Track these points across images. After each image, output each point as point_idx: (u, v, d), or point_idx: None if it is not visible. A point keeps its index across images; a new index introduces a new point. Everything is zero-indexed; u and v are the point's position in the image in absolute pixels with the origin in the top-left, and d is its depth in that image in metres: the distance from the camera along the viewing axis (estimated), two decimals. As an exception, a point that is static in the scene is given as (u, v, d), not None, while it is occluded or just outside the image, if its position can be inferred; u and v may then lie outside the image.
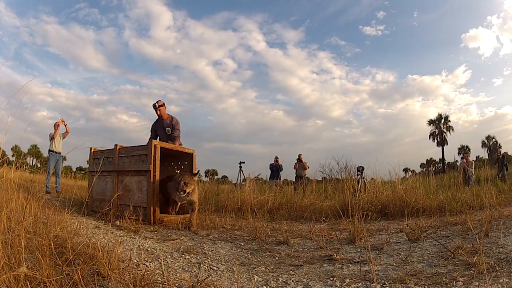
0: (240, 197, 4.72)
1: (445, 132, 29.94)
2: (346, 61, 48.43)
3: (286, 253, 2.16)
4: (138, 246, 2.17)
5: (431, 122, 30.83)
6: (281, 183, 8.44)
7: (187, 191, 2.97)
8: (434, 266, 1.73)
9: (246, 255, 2.13)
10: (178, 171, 4.01)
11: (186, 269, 1.73)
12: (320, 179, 6.64)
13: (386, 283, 1.50)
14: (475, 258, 1.65)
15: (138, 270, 1.55)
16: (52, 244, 1.40)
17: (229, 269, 1.76)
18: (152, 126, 4.55)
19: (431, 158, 35.56)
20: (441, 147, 29.95)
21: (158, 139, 4.36)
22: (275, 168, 8.54)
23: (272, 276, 1.65)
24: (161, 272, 1.56)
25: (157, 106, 4.30)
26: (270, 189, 5.39)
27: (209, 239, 2.61)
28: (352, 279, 1.56)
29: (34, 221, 1.91)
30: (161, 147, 3.40)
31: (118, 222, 2.99)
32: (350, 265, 1.83)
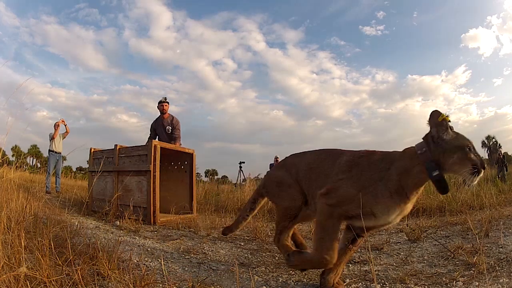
0: (240, 197, 4.73)
1: (445, 132, 29.88)
2: (346, 61, 48.51)
3: (286, 253, 2.16)
4: (138, 246, 2.17)
5: (431, 122, 30.78)
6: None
7: None
8: (434, 266, 1.73)
9: (246, 255, 2.13)
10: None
11: (186, 269, 1.73)
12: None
13: (386, 283, 1.50)
14: (475, 258, 1.65)
15: (138, 270, 1.55)
16: (52, 244, 1.40)
17: (229, 269, 1.76)
18: (151, 125, 4.56)
19: (431, 158, 35.43)
20: (441, 147, 29.89)
21: (157, 138, 4.37)
22: (275, 168, 8.54)
23: (272, 276, 1.65)
24: (161, 272, 1.56)
25: (165, 100, 4.36)
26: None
27: (209, 239, 2.61)
28: (352, 279, 1.56)
29: (34, 221, 1.92)
30: (161, 147, 3.41)
31: (118, 222, 2.99)
32: (350, 265, 1.83)
